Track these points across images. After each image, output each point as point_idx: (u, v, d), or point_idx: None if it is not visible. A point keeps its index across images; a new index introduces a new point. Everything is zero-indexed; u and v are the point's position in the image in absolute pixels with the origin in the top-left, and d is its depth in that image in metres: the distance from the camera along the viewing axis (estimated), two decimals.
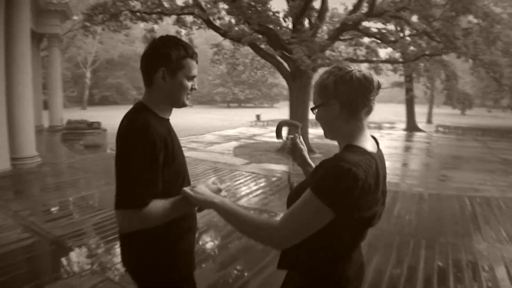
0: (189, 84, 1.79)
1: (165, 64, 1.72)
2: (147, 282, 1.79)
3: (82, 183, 8.40)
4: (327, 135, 1.57)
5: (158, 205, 1.60)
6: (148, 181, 1.58)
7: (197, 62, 1.83)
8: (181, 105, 1.83)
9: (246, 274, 4.16)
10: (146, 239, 1.70)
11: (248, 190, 7.98)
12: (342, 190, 1.27)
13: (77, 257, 4.46)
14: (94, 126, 14.03)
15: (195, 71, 1.81)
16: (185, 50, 1.75)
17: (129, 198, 1.56)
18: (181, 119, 27.32)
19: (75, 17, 22.09)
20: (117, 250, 4.69)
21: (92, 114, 27.43)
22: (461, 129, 26.86)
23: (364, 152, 1.40)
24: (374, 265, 4.42)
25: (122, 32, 14.05)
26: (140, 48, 58.35)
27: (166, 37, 1.80)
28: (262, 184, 8.57)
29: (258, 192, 7.91)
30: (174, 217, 1.68)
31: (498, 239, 5.44)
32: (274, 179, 9.14)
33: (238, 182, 8.79)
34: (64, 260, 4.39)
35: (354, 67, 1.46)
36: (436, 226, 6.02)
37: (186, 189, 1.62)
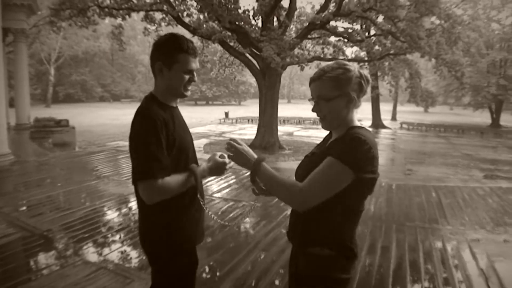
0: (186, 76, 1.96)
1: (161, 58, 1.94)
2: (154, 253, 2.05)
3: (61, 180, 8.37)
4: (332, 124, 1.79)
5: (173, 178, 1.85)
6: (153, 154, 1.79)
7: (195, 57, 1.98)
8: (180, 95, 2.02)
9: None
10: (150, 213, 1.96)
11: (220, 185, 8.07)
12: (360, 154, 1.59)
13: (67, 249, 4.54)
14: (62, 124, 13.76)
15: (192, 65, 1.97)
16: (180, 46, 1.92)
17: (141, 171, 1.80)
18: None
19: (38, 12, 21.39)
20: (107, 240, 4.88)
21: (57, 112, 26.75)
22: (425, 125, 27.70)
23: (367, 129, 1.73)
24: None
25: (89, 28, 13.80)
26: (105, 44, 57.42)
27: (166, 34, 2.00)
28: (234, 180, 8.66)
29: (231, 186, 8.02)
30: (183, 190, 1.92)
31: (461, 223, 5.97)
32: (245, 174, 9.24)
33: (212, 178, 8.86)
34: (55, 252, 4.47)
35: (355, 66, 1.77)
36: (404, 213, 6.50)
37: (232, 142, 1.83)
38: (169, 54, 1.93)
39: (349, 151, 1.59)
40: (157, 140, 1.81)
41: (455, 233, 5.47)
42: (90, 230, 5.17)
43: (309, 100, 1.84)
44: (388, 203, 7.05)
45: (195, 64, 1.99)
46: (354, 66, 1.75)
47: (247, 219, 5.84)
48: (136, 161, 1.83)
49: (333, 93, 1.71)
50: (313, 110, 1.79)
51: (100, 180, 8.24)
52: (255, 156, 1.79)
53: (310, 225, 1.72)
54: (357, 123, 1.77)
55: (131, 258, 4.37)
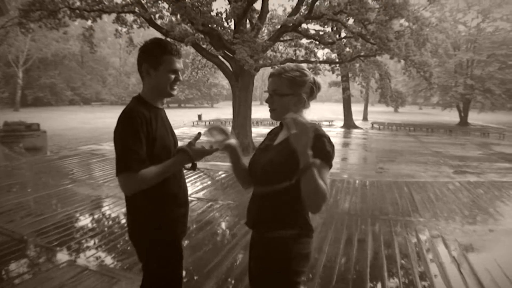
0: (172, 76, 2.14)
1: (148, 60, 2.12)
2: (141, 245, 2.19)
3: (36, 184, 8.20)
4: (279, 116, 2.00)
5: (149, 169, 1.97)
6: (130, 147, 1.94)
7: (179, 57, 2.16)
8: (167, 94, 2.18)
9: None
10: (139, 205, 2.12)
11: (198, 186, 8.11)
12: (331, 148, 1.86)
13: (49, 252, 4.50)
14: (33, 128, 13.44)
15: (177, 65, 2.14)
16: (165, 48, 2.10)
17: (120, 165, 1.95)
18: None
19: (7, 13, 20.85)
20: (89, 242, 4.87)
21: (26, 116, 26.16)
22: (395, 125, 28.37)
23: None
24: (330, 239, 5.03)
25: (60, 30, 13.58)
26: (75, 46, 56.37)
27: (152, 39, 2.19)
28: (209, 182, 8.71)
29: (208, 187, 8.07)
30: (166, 176, 2.06)
31: (433, 215, 6.26)
32: (222, 175, 9.29)
33: (188, 180, 8.87)
34: (37, 255, 4.43)
35: (310, 73, 2.02)
36: (378, 207, 6.73)
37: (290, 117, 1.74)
38: (155, 56, 2.09)
39: (328, 150, 1.84)
40: (135, 136, 1.96)
41: (427, 225, 5.71)
42: (70, 233, 5.14)
43: (264, 91, 2.10)
44: (362, 199, 7.26)
45: (179, 64, 2.16)
46: (310, 73, 2.00)
47: (227, 218, 5.93)
48: (116, 155, 1.97)
49: (287, 91, 1.95)
50: (266, 101, 2.00)
51: (75, 183, 8.14)
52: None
53: (279, 210, 1.91)
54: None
55: (114, 258, 4.37)
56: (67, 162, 10.82)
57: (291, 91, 1.95)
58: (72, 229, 5.33)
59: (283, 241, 1.88)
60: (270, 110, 2.01)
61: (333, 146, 1.88)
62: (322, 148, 1.81)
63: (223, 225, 5.75)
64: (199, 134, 2.17)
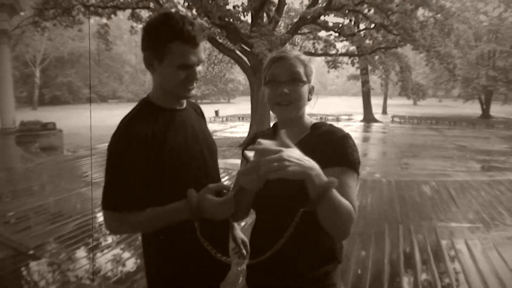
0: (181, 73, 1.44)
1: (150, 47, 1.46)
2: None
3: (48, 188, 7.94)
4: (294, 111, 1.47)
5: (143, 213, 1.41)
6: (121, 181, 1.42)
7: (194, 46, 1.43)
8: (179, 96, 1.55)
9: None
10: (153, 249, 1.59)
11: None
12: (356, 153, 1.40)
13: (59, 269, 4.08)
14: (49, 127, 13.33)
15: (190, 58, 1.43)
16: (173, 30, 1.39)
17: (105, 200, 1.43)
18: None
19: (21, 13, 20.91)
20: (103, 258, 4.38)
21: (44, 115, 26.20)
22: (416, 118, 27.73)
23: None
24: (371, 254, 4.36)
25: (74, 28, 13.49)
26: (91, 44, 56.69)
27: (158, 14, 1.52)
28: (229, 181, 8.41)
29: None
30: (168, 224, 1.43)
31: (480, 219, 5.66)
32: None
33: None
34: (42, 274, 3.99)
35: None
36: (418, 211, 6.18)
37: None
38: (159, 42, 1.41)
39: (350, 153, 1.38)
40: (130, 165, 1.41)
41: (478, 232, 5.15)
42: (80, 246, 4.67)
43: (266, 83, 1.52)
44: (397, 201, 6.73)
45: (194, 56, 1.43)
46: None
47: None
48: (104, 183, 1.44)
49: (304, 78, 1.46)
50: (276, 93, 1.45)
51: (90, 187, 7.69)
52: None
53: (311, 247, 1.44)
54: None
55: (136, 275, 3.94)
56: (82, 163, 10.60)
57: (306, 78, 1.47)
58: (88, 239, 4.84)
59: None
60: (283, 105, 1.45)
61: (356, 148, 1.42)
62: (345, 153, 1.36)
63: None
64: (255, 135, 1.56)
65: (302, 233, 1.34)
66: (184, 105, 1.63)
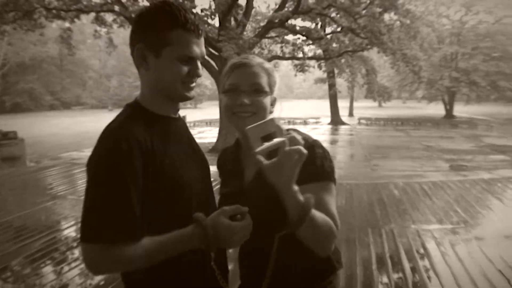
0: (184, 68, 1.24)
1: (143, 38, 1.23)
2: None
3: (11, 202, 7.48)
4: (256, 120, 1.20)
5: (143, 241, 1.13)
6: (111, 202, 1.11)
7: (199, 37, 1.26)
8: (179, 97, 1.31)
9: None
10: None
11: None
12: (331, 162, 1.33)
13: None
14: (10, 136, 12.74)
15: (193, 49, 1.24)
16: (174, 17, 1.20)
17: (86, 229, 1.11)
18: (101, 124, 26.32)
19: None
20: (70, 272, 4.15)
21: (5, 123, 25.18)
22: (382, 120, 28.20)
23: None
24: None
25: (36, 32, 13.03)
26: (53, 49, 55.17)
27: (156, 2, 1.27)
28: None
29: None
30: (171, 256, 1.15)
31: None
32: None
33: None
34: None
35: None
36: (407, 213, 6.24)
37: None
38: (156, 31, 1.21)
39: (320, 165, 1.28)
40: (130, 180, 1.11)
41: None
42: (54, 263, 4.40)
43: (224, 91, 1.40)
44: (378, 205, 6.73)
45: (198, 48, 1.25)
46: None
47: None
48: (84, 208, 1.12)
49: (267, 88, 1.37)
50: (237, 103, 1.34)
51: (55, 200, 7.29)
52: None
53: (302, 265, 1.38)
54: None
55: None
56: (46, 174, 10.16)
57: (269, 88, 1.37)
58: (57, 258, 4.54)
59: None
60: (244, 115, 1.33)
61: (326, 154, 1.32)
62: (315, 166, 1.26)
63: None
64: (289, 132, 1.07)
65: (289, 255, 1.29)
66: (178, 113, 1.43)
